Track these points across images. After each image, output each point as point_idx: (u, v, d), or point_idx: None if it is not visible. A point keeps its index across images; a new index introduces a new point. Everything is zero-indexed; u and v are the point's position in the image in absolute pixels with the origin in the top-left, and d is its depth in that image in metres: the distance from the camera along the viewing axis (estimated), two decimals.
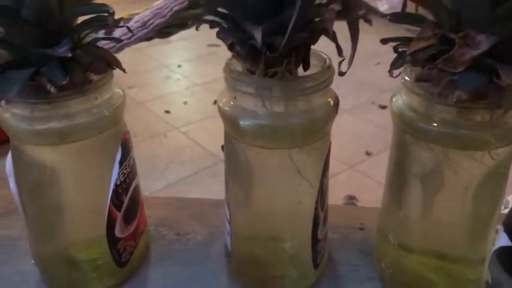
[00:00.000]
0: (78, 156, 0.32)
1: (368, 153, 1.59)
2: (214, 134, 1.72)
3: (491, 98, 0.26)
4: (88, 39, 0.31)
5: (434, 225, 0.32)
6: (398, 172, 0.32)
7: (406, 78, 0.30)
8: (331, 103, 0.31)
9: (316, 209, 0.32)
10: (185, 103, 1.86)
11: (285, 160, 0.31)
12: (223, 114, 0.31)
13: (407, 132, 0.30)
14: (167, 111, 1.81)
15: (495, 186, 0.31)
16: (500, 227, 0.32)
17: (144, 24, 0.63)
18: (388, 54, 0.31)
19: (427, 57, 0.27)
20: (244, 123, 0.30)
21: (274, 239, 0.34)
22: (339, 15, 0.31)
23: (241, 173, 0.32)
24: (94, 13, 0.28)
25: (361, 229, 0.41)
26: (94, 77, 0.30)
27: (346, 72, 0.32)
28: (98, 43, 0.31)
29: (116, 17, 0.30)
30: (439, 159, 0.30)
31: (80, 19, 0.30)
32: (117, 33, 0.65)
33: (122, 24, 0.64)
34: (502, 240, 0.32)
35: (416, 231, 0.32)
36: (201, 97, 1.91)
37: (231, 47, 0.29)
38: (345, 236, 0.41)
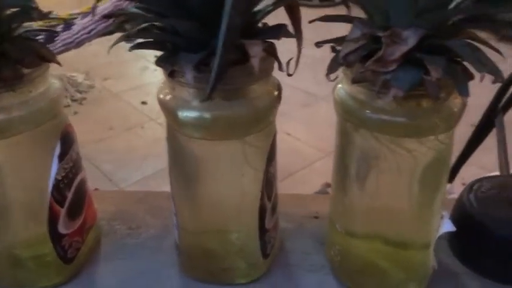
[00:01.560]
0: (15, 151, 0.31)
1: None
2: None
3: (428, 90, 0.26)
4: (21, 31, 0.30)
5: (378, 211, 0.32)
6: (342, 160, 0.32)
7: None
8: (274, 92, 0.31)
9: (262, 199, 0.32)
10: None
11: (227, 151, 0.31)
12: (163, 105, 0.30)
13: (349, 120, 0.30)
14: (144, 103, 1.78)
15: (437, 172, 0.31)
16: (445, 213, 0.33)
17: (98, 21, 0.62)
18: None
19: (359, 59, 0.27)
20: (183, 114, 0.29)
21: (220, 231, 0.34)
22: (278, 3, 0.30)
23: (184, 165, 0.31)
24: (18, 6, 0.27)
25: (316, 218, 0.41)
26: (26, 71, 0.29)
27: (293, 73, 0.32)
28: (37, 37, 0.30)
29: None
30: (381, 146, 0.30)
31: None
32: (76, 27, 0.64)
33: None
34: (447, 226, 0.32)
35: (360, 218, 0.32)
36: None
37: (171, 75, 0.29)
38: (300, 224, 0.41)
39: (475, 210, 0.35)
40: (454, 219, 0.37)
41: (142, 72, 2.04)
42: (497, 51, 0.30)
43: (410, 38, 0.26)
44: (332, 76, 0.30)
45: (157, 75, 2.02)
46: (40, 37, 0.32)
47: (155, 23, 0.29)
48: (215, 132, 0.30)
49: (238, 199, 0.32)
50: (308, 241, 0.39)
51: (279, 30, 0.29)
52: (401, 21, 0.26)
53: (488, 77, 0.27)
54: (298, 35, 0.32)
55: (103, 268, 0.36)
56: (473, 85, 0.28)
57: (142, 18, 0.29)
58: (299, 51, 0.32)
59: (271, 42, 0.30)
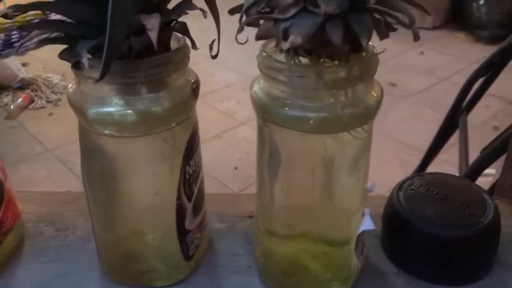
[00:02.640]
0: None
1: None
2: None
3: (329, 36, 0.24)
4: None
5: (296, 209, 0.31)
6: (261, 158, 0.31)
7: (263, 62, 0.29)
8: (189, 86, 0.30)
9: (179, 199, 0.31)
10: None
11: (138, 149, 0.30)
12: (71, 102, 0.29)
13: (265, 118, 0.29)
14: None
15: (354, 168, 0.30)
16: (367, 211, 0.32)
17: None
18: None
19: (260, 11, 0.26)
20: (90, 109, 0.28)
21: (135, 233, 0.33)
22: None
23: (95, 164, 0.30)
24: None
25: (250, 217, 0.40)
26: None
27: (217, 55, 0.31)
28: None
29: None
30: (296, 143, 0.29)
31: None
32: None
33: None
34: (367, 224, 0.31)
35: (278, 217, 0.32)
36: None
37: (75, 67, 0.27)
38: (233, 224, 0.40)
39: (402, 208, 0.34)
40: (384, 218, 0.37)
41: None
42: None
43: None
44: (243, 39, 0.28)
45: None
46: None
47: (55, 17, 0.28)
48: (123, 128, 0.28)
49: (152, 199, 0.31)
50: (239, 242, 0.38)
51: (183, 6, 0.28)
52: None
53: None
54: (214, 14, 0.30)
55: (23, 271, 0.35)
56: None
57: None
58: (218, 31, 0.31)
59: (182, 22, 0.29)
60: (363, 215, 0.32)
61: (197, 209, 0.34)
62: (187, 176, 0.31)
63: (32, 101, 1.75)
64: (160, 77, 0.28)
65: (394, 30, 0.28)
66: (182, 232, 0.32)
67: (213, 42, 0.30)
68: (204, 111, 1.75)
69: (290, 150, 0.29)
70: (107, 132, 0.29)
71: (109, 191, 0.31)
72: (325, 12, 0.23)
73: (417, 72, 1.98)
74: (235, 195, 0.44)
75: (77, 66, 0.28)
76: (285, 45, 0.24)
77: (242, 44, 0.27)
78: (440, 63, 2.04)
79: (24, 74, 1.84)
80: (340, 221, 0.31)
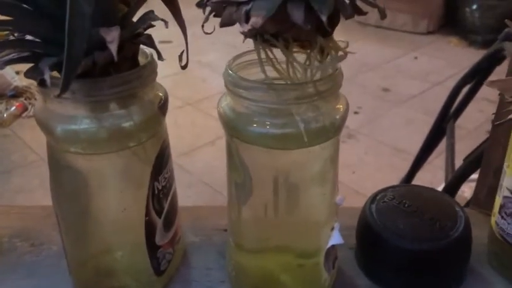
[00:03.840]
0: None
1: None
2: None
3: (292, 16, 0.24)
4: None
5: (264, 224, 0.31)
6: (229, 173, 0.31)
7: (228, 79, 0.29)
8: (156, 102, 0.30)
9: (148, 215, 0.31)
10: None
11: (105, 166, 0.30)
12: (37, 120, 0.29)
13: (231, 134, 0.29)
14: None
15: (322, 182, 0.30)
16: (336, 225, 0.32)
17: None
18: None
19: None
20: (58, 129, 0.28)
21: (105, 249, 0.33)
22: None
23: (62, 182, 0.30)
24: None
25: (226, 230, 0.40)
26: None
27: (186, 66, 0.31)
28: None
29: None
30: (263, 159, 0.29)
31: None
32: None
33: None
34: (336, 238, 0.31)
35: (247, 231, 0.32)
36: None
37: (41, 84, 0.27)
38: (208, 238, 0.40)
39: (374, 221, 0.34)
40: (357, 230, 0.37)
41: None
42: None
43: None
44: (209, 29, 0.28)
45: None
46: None
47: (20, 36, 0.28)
48: (90, 145, 0.28)
49: (120, 216, 0.31)
50: (213, 255, 0.38)
51: (146, 18, 0.28)
52: None
53: None
54: (181, 25, 0.30)
55: None
56: None
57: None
58: (186, 43, 0.31)
59: (148, 34, 0.29)
60: (333, 229, 0.32)
61: (168, 224, 0.34)
62: (156, 192, 0.31)
63: (25, 109, 1.76)
64: (128, 94, 0.28)
65: (364, 13, 0.27)
66: (152, 248, 0.32)
67: (182, 53, 0.30)
68: (198, 117, 1.75)
69: (256, 165, 0.29)
70: (73, 149, 0.29)
71: (77, 208, 0.31)
72: None
73: (411, 77, 1.99)
74: (211, 208, 0.44)
75: (41, 84, 0.28)
76: (246, 27, 0.24)
77: (209, 33, 0.27)
78: (433, 68, 2.05)
79: (17, 82, 1.84)
80: (308, 235, 0.31)
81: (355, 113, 1.77)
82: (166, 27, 0.29)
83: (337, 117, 0.29)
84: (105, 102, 0.28)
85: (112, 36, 0.25)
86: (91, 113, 0.28)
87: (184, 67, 0.30)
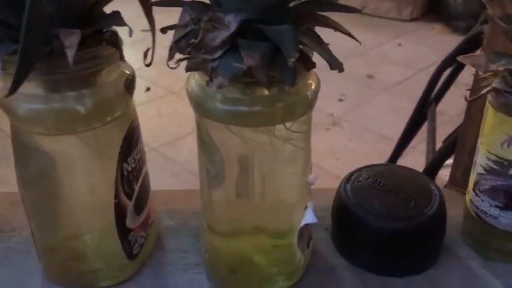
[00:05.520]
0: None
1: None
2: (146, 122, 1.69)
3: (256, 77, 0.25)
4: None
5: (236, 204, 0.30)
6: (200, 154, 0.31)
7: None
8: (122, 81, 0.29)
9: (117, 197, 0.30)
10: None
11: (69, 147, 0.29)
12: (0, 102, 0.28)
13: (200, 112, 0.29)
14: None
15: (293, 161, 0.30)
16: (309, 204, 0.32)
17: None
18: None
19: (191, 45, 0.26)
20: (20, 109, 0.27)
21: (74, 233, 0.32)
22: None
23: (28, 164, 0.29)
24: None
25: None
26: None
27: (150, 63, 0.30)
28: None
29: None
30: (233, 138, 0.28)
31: None
32: None
33: None
34: (309, 217, 0.31)
35: (219, 212, 0.31)
36: None
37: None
38: (184, 221, 0.39)
39: (349, 201, 0.34)
40: (333, 210, 0.36)
41: None
42: (351, 35, 0.29)
43: (232, 23, 0.24)
44: (174, 64, 0.28)
45: None
46: None
47: None
48: (52, 126, 0.28)
49: (87, 198, 0.30)
50: (189, 239, 0.37)
51: (112, 19, 0.27)
52: (230, 6, 0.25)
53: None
54: (150, 23, 0.30)
55: None
56: None
57: None
58: (153, 41, 0.30)
59: (113, 32, 0.29)
60: (306, 208, 0.31)
61: (140, 207, 0.33)
62: (126, 174, 0.31)
63: None
64: (90, 72, 0.27)
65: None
66: (123, 231, 0.32)
67: (147, 50, 0.29)
68: (181, 107, 1.73)
69: (226, 145, 0.29)
70: (37, 130, 0.28)
71: (44, 191, 0.30)
72: (248, 66, 0.23)
73: (395, 64, 1.99)
74: (188, 192, 0.43)
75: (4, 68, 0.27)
76: (213, 87, 0.24)
77: (173, 68, 0.27)
78: (417, 55, 2.05)
79: None
80: (281, 215, 0.31)
81: (340, 100, 1.77)
82: (130, 36, 0.28)
83: (308, 93, 0.28)
84: (66, 81, 0.27)
85: (71, 42, 0.24)
86: (52, 92, 0.27)
87: (148, 65, 0.30)
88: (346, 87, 1.83)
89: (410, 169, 0.37)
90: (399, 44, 2.14)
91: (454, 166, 0.42)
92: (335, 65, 0.26)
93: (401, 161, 0.94)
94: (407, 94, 1.80)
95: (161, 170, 1.63)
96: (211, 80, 0.26)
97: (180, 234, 0.38)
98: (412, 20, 2.37)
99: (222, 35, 0.24)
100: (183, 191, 0.43)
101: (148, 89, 1.83)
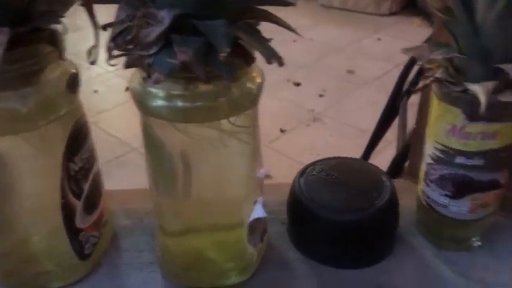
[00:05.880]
0: None
1: (282, 131, 1.60)
2: (126, 122, 1.67)
3: (194, 71, 0.25)
4: None
5: (183, 201, 0.30)
6: (146, 152, 0.30)
7: None
8: (64, 80, 0.29)
9: (64, 197, 0.30)
10: (95, 91, 1.79)
11: (11, 147, 0.28)
12: None
13: (144, 111, 0.28)
14: None
15: (239, 156, 0.30)
16: (260, 199, 0.32)
17: None
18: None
19: (127, 41, 0.25)
20: None
21: (22, 235, 0.32)
22: None
23: None
24: None
25: None
26: None
27: (94, 62, 0.30)
28: None
29: None
30: (176, 134, 0.28)
31: None
32: None
33: None
34: (258, 212, 0.31)
35: (168, 210, 0.31)
36: (112, 84, 1.84)
37: None
38: (140, 220, 0.39)
39: (302, 194, 0.34)
40: (287, 204, 0.37)
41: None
42: (292, 29, 0.29)
43: (166, 19, 0.24)
44: (114, 61, 0.28)
45: (91, 72, 1.96)
46: None
47: None
48: None
49: (33, 199, 0.29)
50: (144, 237, 0.37)
51: (48, 17, 0.27)
52: (165, 1, 0.25)
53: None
54: (92, 21, 0.30)
55: None
56: None
57: None
58: (96, 40, 0.30)
59: (52, 30, 0.28)
60: (255, 202, 0.31)
61: (91, 206, 0.33)
62: (73, 173, 0.30)
63: None
64: (29, 71, 0.27)
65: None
66: (73, 231, 0.31)
67: (91, 48, 0.29)
68: None
69: (172, 142, 0.29)
70: None
71: None
72: (181, 61, 0.23)
73: (374, 59, 2.01)
74: (145, 191, 0.43)
75: None
76: (149, 83, 0.24)
77: (113, 66, 0.27)
78: (396, 49, 2.05)
79: None
80: (229, 211, 0.31)
81: (320, 96, 1.78)
82: (64, 33, 0.28)
83: (252, 88, 0.28)
84: (5, 80, 0.27)
85: None
86: None
87: (92, 63, 0.29)
88: (326, 83, 1.84)
89: (364, 161, 0.38)
90: (378, 39, 2.15)
91: (410, 157, 0.42)
92: (272, 58, 0.26)
93: (379, 156, 0.94)
94: (387, 88, 1.80)
95: (142, 169, 1.63)
96: (148, 76, 0.26)
97: (136, 233, 0.38)
98: (391, 14, 2.39)
99: (156, 31, 0.24)
100: (141, 190, 0.43)
101: (127, 88, 1.83)
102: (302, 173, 0.36)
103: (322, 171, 0.36)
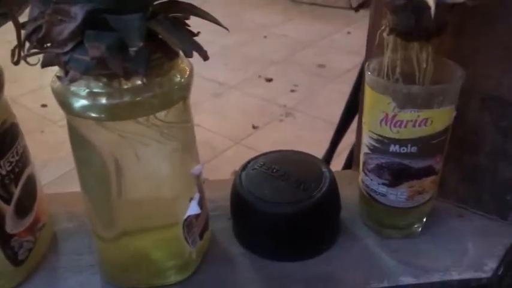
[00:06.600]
0: None
1: (254, 127, 1.60)
2: None
3: (111, 67, 0.24)
4: None
5: (116, 204, 0.29)
6: (76, 158, 0.30)
7: None
8: None
9: None
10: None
11: None
12: None
13: (67, 111, 0.28)
14: (44, 105, 1.69)
15: (170, 153, 0.29)
16: (196, 195, 0.31)
17: None
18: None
19: (40, 39, 0.25)
20: None
21: None
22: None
23: None
24: None
25: None
26: None
27: (18, 62, 0.29)
28: None
29: None
30: (106, 134, 0.27)
31: None
32: None
33: None
34: (192, 209, 0.31)
35: (100, 213, 0.30)
36: None
37: None
38: (82, 223, 0.38)
39: (242, 189, 0.34)
40: (230, 199, 0.36)
41: (42, 74, 1.93)
42: (218, 23, 0.28)
43: (79, 14, 0.24)
44: (33, 60, 0.27)
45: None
46: None
47: None
48: None
49: None
50: (86, 240, 0.36)
51: None
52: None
53: None
54: (14, 22, 0.29)
55: None
56: None
57: None
58: (18, 40, 0.29)
59: None
60: (191, 200, 0.31)
61: (23, 211, 0.32)
62: (1, 178, 0.29)
63: None
64: None
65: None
66: (3, 237, 0.30)
67: (14, 48, 0.28)
68: None
69: (100, 141, 0.28)
70: None
71: None
72: (92, 57, 0.23)
73: (345, 52, 2.02)
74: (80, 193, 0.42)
75: None
76: (65, 82, 0.24)
77: (33, 65, 0.26)
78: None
79: None
80: (164, 209, 0.30)
81: (292, 91, 1.78)
82: None
83: (180, 81, 0.28)
84: None
85: None
86: None
87: (16, 63, 0.29)
88: (298, 78, 1.84)
89: (305, 154, 0.38)
90: (348, 32, 2.17)
91: (356, 147, 0.43)
92: (191, 52, 0.26)
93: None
94: None
95: None
96: (66, 74, 0.25)
97: (77, 236, 0.37)
98: (360, 7, 2.41)
99: (69, 27, 0.24)
100: (72, 193, 0.42)
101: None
102: (244, 167, 0.36)
103: (264, 165, 0.36)
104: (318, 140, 1.54)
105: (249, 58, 2.02)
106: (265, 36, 2.16)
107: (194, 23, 0.28)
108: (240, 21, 2.43)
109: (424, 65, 0.30)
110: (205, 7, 0.28)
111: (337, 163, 0.74)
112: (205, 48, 0.27)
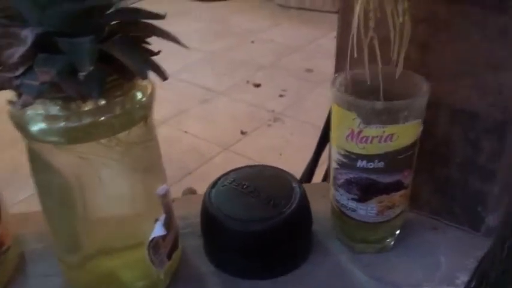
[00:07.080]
0: None
1: (243, 133, 1.59)
2: None
3: (65, 91, 0.24)
4: None
5: (79, 226, 0.29)
6: (36, 183, 0.29)
7: None
8: None
9: None
10: None
11: None
12: None
13: (24, 135, 0.27)
14: None
15: (134, 173, 0.29)
16: (161, 216, 0.31)
17: None
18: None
19: None
20: None
21: None
22: None
23: None
24: None
25: None
26: None
27: None
28: None
29: None
30: (62, 157, 0.27)
31: None
32: None
33: None
34: (157, 230, 0.30)
35: (62, 241, 0.30)
36: None
37: None
38: (49, 244, 0.37)
39: (211, 206, 0.34)
40: (200, 216, 0.36)
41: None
42: (177, 41, 0.28)
43: (29, 38, 0.23)
44: None
45: None
46: None
47: None
48: None
49: None
50: (54, 262, 0.35)
51: None
52: (32, 19, 0.24)
53: None
54: None
55: None
56: None
57: None
58: None
59: None
60: (156, 221, 0.30)
61: None
62: None
63: None
64: None
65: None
66: None
67: None
68: None
69: (59, 165, 0.27)
70: None
71: None
72: (42, 81, 0.23)
73: (332, 56, 2.02)
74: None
75: None
76: (17, 107, 0.24)
77: None
78: None
79: None
80: (129, 230, 0.30)
81: (280, 96, 1.78)
82: None
83: (141, 101, 0.27)
84: None
85: None
86: None
87: None
88: (286, 83, 1.84)
89: (277, 169, 0.37)
90: (335, 37, 2.17)
91: (329, 162, 0.42)
92: (143, 74, 0.25)
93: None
94: None
95: None
96: (19, 98, 0.25)
97: (46, 257, 0.36)
98: None
99: (19, 51, 0.23)
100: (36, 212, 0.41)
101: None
102: (214, 184, 0.36)
103: (234, 181, 0.35)
104: (307, 144, 1.54)
105: (236, 63, 2.02)
106: (252, 41, 2.16)
107: (181, 29, 0.28)
108: (227, 27, 2.43)
109: (400, 20, 0.28)
110: (192, 12, 0.27)
111: (322, 171, 0.75)
112: (192, 54, 0.27)
